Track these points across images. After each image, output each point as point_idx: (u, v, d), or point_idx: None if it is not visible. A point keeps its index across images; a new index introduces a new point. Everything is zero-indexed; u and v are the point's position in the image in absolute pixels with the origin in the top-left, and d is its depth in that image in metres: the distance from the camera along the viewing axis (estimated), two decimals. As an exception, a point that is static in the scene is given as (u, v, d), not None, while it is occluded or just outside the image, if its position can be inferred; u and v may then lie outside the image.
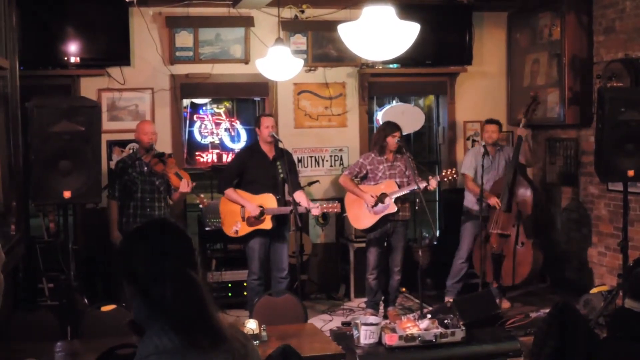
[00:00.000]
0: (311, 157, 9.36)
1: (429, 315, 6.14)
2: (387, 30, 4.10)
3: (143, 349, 2.03)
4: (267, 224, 7.51)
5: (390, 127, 8.03)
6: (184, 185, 7.16)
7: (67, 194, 6.04)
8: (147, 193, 7.30)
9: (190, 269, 2.14)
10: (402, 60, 8.92)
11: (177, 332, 2.04)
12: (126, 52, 8.58)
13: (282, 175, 7.54)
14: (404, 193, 7.79)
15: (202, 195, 7.56)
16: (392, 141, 7.86)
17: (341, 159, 9.44)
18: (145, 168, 7.31)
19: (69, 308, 6.22)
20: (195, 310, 2.07)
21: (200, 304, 2.09)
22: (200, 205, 7.64)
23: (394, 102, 10.05)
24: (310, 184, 9.00)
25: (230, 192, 7.59)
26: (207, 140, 9.88)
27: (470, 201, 8.47)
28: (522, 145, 8.23)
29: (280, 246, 7.69)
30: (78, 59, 8.39)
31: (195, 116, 9.94)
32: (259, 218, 7.49)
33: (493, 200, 8.13)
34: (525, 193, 8.22)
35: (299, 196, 7.59)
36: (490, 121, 8.48)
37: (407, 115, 9.71)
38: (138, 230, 2.25)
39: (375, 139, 8.18)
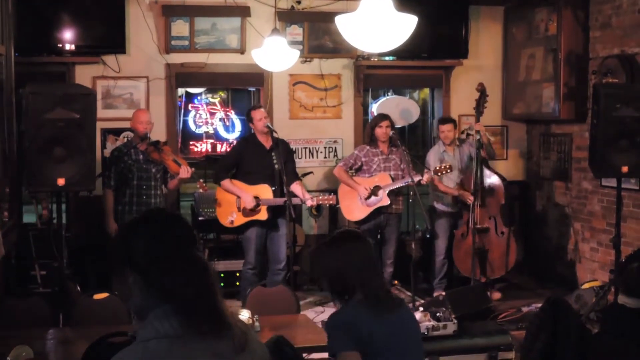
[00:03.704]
0: (305, 148, 9.35)
1: (421, 308, 6.15)
2: (385, 22, 4.09)
3: (143, 334, 2.03)
4: (263, 215, 7.50)
5: (377, 117, 8.07)
6: (184, 172, 7.16)
7: (60, 182, 6.03)
8: (144, 181, 7.30)
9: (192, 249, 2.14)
10: (398, 53, 8.90)
11: (181, 317, 2.03)
12: (122, 40, 8.56)
13: (277, 166, 7.54)
14: (397, 186, 7.80)
15: (201, 181, 7.54)
16: (380, 131, 7.87)
17: (335, 151, 9.43)
18: (141, 156, 7.30)
19: (61, 295, 6.21)
20: (201, 295, 2.06)
21: (207, 288, 2.09)
22: (200, 190, 7.63)
23: (389, 94, 10.05)
24: (304, 175, 8.99)
25: (226, 182, 7.59)
26: (202, 130, 9.90)
27: (437, 199, 8.52)
28: (481, 140, 8.20)
29: (278, 237, 7.68)
30: (73, 46, 8.37)
31: (190, 105, 9.95)
32: (254, 209, 7.49)
33: (467, 195, 8.17)
34: (494, 184, 8.34)
35: (295, 187, 7.60)
36: (444, 120, 8.56)
37: (401, 108, 9.73)
38: (139, 218, 2.22)
39: (365, 131, 8.22)
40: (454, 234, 8.53)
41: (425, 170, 7.82)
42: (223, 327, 2.08)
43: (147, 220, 2.20)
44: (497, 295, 8.39)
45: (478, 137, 8.12)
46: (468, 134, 9.47)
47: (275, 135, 7.61)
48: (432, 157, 8.48)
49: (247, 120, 7.99)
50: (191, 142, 9.73)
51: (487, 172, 8.37)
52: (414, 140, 10.61)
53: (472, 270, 8.17)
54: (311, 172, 9.19)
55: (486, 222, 8.32)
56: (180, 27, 8.84)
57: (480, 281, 8.24)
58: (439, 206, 8.55)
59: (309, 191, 7.96)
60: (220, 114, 9.94)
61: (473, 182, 8.15)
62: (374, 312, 3.41)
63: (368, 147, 7.97)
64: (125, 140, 8.32)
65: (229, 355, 2.08)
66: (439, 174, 7.84)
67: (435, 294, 8.26)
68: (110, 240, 1.88)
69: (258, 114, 7.62)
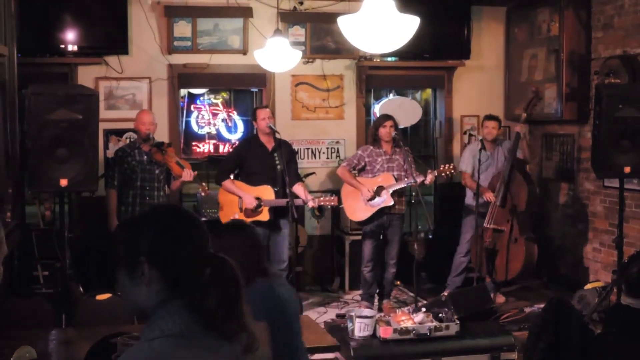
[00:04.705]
0: (308, 149, 9.35)
1: (423, 309, 6.16)
2: (387, 23, 4.10)
3: (148, 333, 2.01)
4: (265, 216, 7.51)
5: (381, 118, 8.07)
6: (187, 175, 7.16)
7: (63, 182, 6.03)
8: (147, 182, 7.30)
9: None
10: (400, 54, 8.91)
11: (192, 314, 2.00)
12: (124, 41, 8.56)
13: (279, 167, 7.54)
14: (401, 187, 7.80)
15: (203, 184, 7.54)
16: (384, 131, 7.87)
17: (338, 152, 9.44)
18: (145, 157, 7.31)
19: (64, 296, 6.22)
20: (229, 297, 2.03)
21: (237, 290, 2.07)
22: (202, 194, 7.64)
23: (391, 95, 10.05)
24: (307, 175, 8.98)
25: (227, 183, 7.60)
26: (204, 131, 9.89)
27: (470, 197, 8.48)
28: (520, 142, 8.24)
29: (280, 238, 7.69)
30: (76, 47, 8.38)
31: (192, 106, 9.94)
32: (256, 210, 7.50)
33: (488, 195, 8.15)
34: (520, 189, 8.22)
35: (297, 189, 7.60)
36: (490, 117, 8.48)
37: (404, 109, 9.71)
38: (155, 209, 2.18)
39: (369, 131, 8.23)
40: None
41: (429, 170, 7.82)
42: (238, 328, 2.06)
43: (164, 211, 2.16)
44: (501, 299, 8.37)
45: (515, 138, 8.23)
46: (470, 135, 9.49)
47: (277, 136, 7.62)
48: (467, 155, 8.51)
49: (251, 119, 8.01)
50: (193, 143, 9.72)
51: (517, 175, 8.25)
52: (416, 141, 10.59)
53: (477, 269, 8.16)
54: (313, 173, 9.19)
55: (503, 225, 8.26)
56: (182, 28, 8.85)
57: (485, 281, 8.24)
58: (469, 202, 8.51)
59: (311, 192, 7.96)
60: (222, 114, 9.94)
61: (499, 182, 8.16)
62: (274, 288, 3.87)
63: (371, 148, 7.97)
64: (128, 141, 8.34)
65: (235, 356, 2.06)
66: (443, 174, 7.84)
67: (446, 291, 8.26)
68: (120, 230, 1.81)
69: (262, 113, 7.64)
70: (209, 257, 2.08)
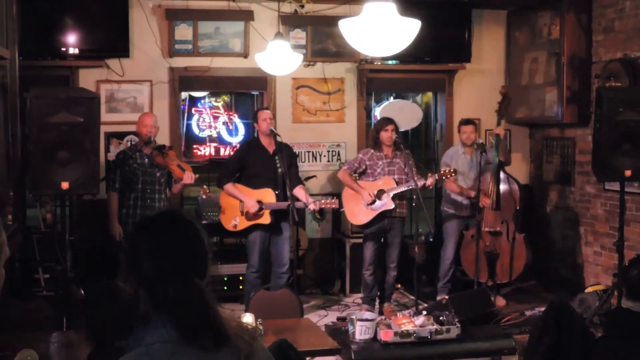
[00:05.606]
0: (308, 152, 9.35)
1: (424, 312, 6.15)
2: (388, 27, 4.10)
3: (148, 337, 2.03)
4: (266, 219, 7.51)
5: (382, 121, 8.07)
6: (188, 178, 7.16)
7: (65, 185, 6.04)
8: (148, 185, 7.31)
9: (196, 273, 2.11)
10: (401, 57, 8.90)
11: (179, 332, 2.03)
12: (125, 44, 8.56)
13: (280, 170, 7.55)
14: (401, 190, 7.79)
15: (205, 187, 7.55)
16: (386, 135, 7.87)
17: (338, 155, 9.44)
18: (146, 160, 7.31)
19: (65, 299, 6.22)
20: (197, 317, 2.04)
21: (204, 311, 2.07)
22: (204, 196, 7.65)
23: (392, 98, 10.05)
24: (307, 179, 8.98)
25: (229, 187, 7.60)
26: (205, 134, 9.90)
27: (449, 202, 8.50)
28: (500, 144, 8.26)
29: (281, 241, 7.69)
30: (77, 50, 8.39)
31: (193, 109, 9.96)
32: (257, 213, 7.50)
33: (486, 201, 8.16)
34: (510, 189, 8.35)
35: (298, 191, 7.61)
36: (467, 122, 8.53)
37: (405, 112, 9.71)
38: (147, 225, 2.19)
39: (370, 135, 8.22)
40: (463, 235, 8.50)
41: (429, 174, 7.82)
42: (223, 340, 2.07)
43: (154, 230, 2.16)
44: (501, 302, 8.37)
45: (496, 140, 8.23)
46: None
47: (278, 139, 7.62)
48: (448, 158, 8.50)
49: (252, 121, 8.02)
50: (194, 146, 9.74)
51: (503, 176, 8.35)
52: (416, 144, 10.60)
53: (476, 274, 8.16)
54: (314, 176, 9.19)
55: (499, 226, 8.30)
56: (183, 31, 8.86)
57: (487, 284, 8.24)
58: (449, 209, 8.52)
59: (312, 195, 7.97)
60: (223, 117, 9.95)
61: (489, 185, 8.18)
62: None
63: (372, 151, 7.97)
64: (129, 143, 8.34)
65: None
66: (444, 177, 7.83)
67: (438, 298, 8.26)
68: (120, 243, 1.86)
69: (263, 114, 7.66)
70: (172, 277, 2.08)
